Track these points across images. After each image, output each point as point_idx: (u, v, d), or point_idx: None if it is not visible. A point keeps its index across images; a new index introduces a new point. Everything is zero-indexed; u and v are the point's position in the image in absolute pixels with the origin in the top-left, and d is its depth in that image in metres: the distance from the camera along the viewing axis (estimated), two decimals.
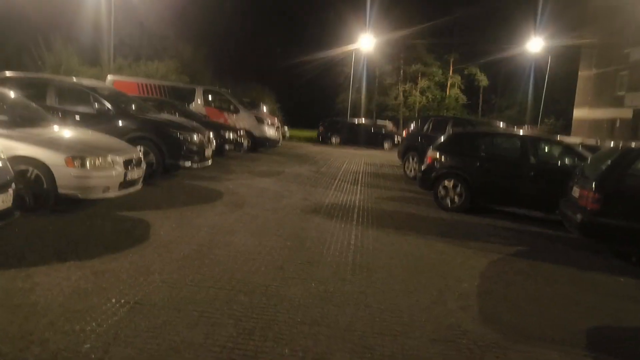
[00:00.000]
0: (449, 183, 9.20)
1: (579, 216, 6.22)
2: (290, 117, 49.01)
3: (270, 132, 17.27)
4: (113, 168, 6.53)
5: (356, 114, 46.10)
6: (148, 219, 6.49)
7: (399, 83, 53.60)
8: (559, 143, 9.20)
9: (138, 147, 8.94)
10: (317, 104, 57.74)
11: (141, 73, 24.06)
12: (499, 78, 53.80)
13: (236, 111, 16.94)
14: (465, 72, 53.09)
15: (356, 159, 19.41)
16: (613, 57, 35.49)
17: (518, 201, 8.87)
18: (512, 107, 52.72)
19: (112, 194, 6.59)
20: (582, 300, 4.99)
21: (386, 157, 22.79)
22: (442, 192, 9.28)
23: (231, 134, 14.44)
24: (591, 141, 12.43)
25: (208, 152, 10.31)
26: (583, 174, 6.77)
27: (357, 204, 9.17)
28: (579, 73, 43.21)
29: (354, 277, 5.01)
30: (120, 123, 9.43)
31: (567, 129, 40.85)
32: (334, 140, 30.01)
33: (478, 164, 9.13)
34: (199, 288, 4.32)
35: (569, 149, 8.88)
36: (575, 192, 6.70)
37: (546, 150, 9.37)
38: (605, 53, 37.10)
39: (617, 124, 35.12)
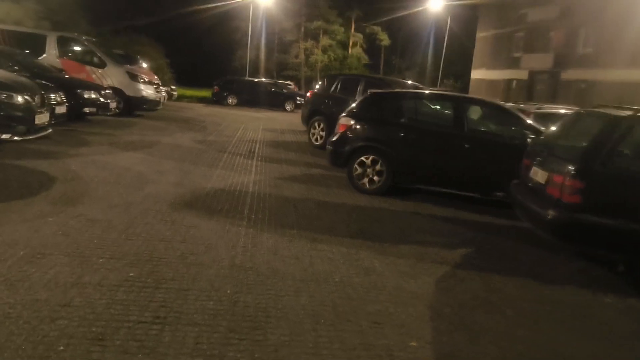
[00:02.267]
0: (366, 159, 7.29)
1: (550, 212, 4.53)
2: (183, 74, 44.85)
3: (147, 91, 14.23)
4: None
5: (256, 73, 43.24)
6: None
7: (300, 40, 51.08)
8: (501, 108, 7.53)
9: None
10: (213, 61, 53.81)
11: None
12: (400, 38, 53.29)
13: (102, 65, 13.68)
14: (367, 30, 51.80)
15: (254, 124, 17.04)
16: (510, 18, 35.71)
17: (451, 181, 7.17)
18: (412, 68, 52.60)
19: None
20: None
21: (288, 119, 20.65)
22: (358, 170, 7.35)
23: (92, 94, 11.41)
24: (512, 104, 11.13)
25: (42, 118, 7.45)
26: (549, 152, 5.10)
27: (250, 188, 6.97)
28: (477, 34, 43.53)
29: (236, 350, 2.87)
30: None
31: (464, 91, 41.20)
32: (230, 101, 27.19)
33: (402, 134, 7.28)
34: None
35: (514, 116, 7.23)
36: (538, 175, 5.03)
37: (485, 117, 7.74)
38: (502, 14, 37.29)
39: (514, 85, 35.76)
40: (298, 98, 28.30)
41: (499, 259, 5.08)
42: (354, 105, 7.99)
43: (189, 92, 31.70)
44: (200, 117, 17.67)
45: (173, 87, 25.06)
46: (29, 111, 7.09)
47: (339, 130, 7.65)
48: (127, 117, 13.74)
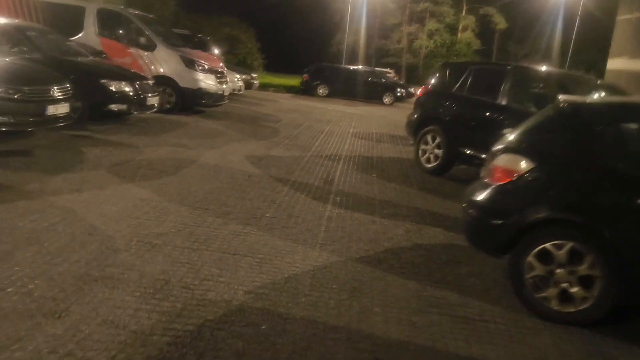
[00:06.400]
0: (556, 248, 3.35)
1: None
2: (276, 60, 42.44)
3: (207, 81, 11.00)
4: None
5: (354, 60, 39.58)
6: None
7: (404, 24, 46.51)
8: None
9: None
10: (309, 47, 51.06)
11: None
12: (518, 21, 46.68)
13: (151, 47, 10.69)
14: (481, 12, 45.94)
15: (342, 124, 13.40)
16: None
17: None
18: (531, 55, 45.87)
19: None
20: None
21: (386, 117, 16.81)
22: (537, 268, 3.44)
23: (123, 86, 8.38)
24: None
25: None
26: None
27: (300, 299, 3.32)
28: (618, 17, 36.20)
29: None
30: None
31: None
32: (320, 91, 23.79)
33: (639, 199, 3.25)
34: None
35: None
36: None
37: None
38: None
39: None
40: (399, 89, 24.33)
41: None
42: (521, 130, 4.01)
43: (277, 80, 28.78)
44: (278, 113, 14.33)
45: (254, 75, 21.99)
46: None
47: (494, 179, 3.76)
48: (180, 115, 10.70)
